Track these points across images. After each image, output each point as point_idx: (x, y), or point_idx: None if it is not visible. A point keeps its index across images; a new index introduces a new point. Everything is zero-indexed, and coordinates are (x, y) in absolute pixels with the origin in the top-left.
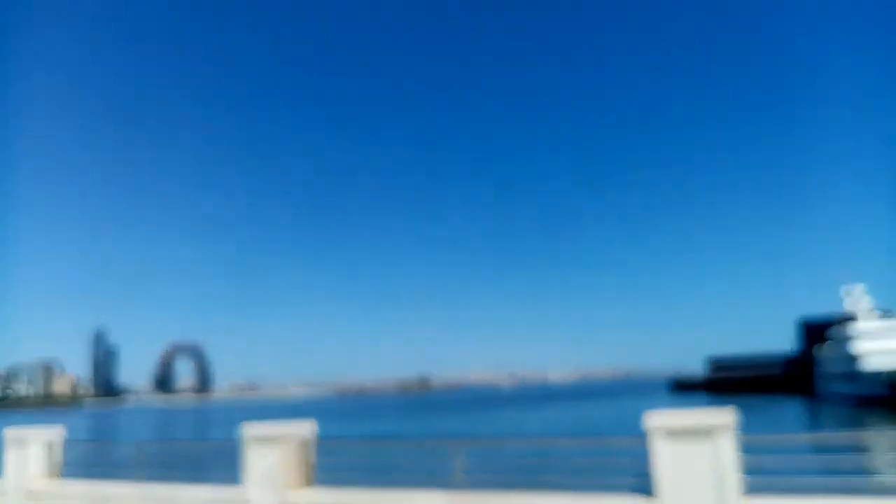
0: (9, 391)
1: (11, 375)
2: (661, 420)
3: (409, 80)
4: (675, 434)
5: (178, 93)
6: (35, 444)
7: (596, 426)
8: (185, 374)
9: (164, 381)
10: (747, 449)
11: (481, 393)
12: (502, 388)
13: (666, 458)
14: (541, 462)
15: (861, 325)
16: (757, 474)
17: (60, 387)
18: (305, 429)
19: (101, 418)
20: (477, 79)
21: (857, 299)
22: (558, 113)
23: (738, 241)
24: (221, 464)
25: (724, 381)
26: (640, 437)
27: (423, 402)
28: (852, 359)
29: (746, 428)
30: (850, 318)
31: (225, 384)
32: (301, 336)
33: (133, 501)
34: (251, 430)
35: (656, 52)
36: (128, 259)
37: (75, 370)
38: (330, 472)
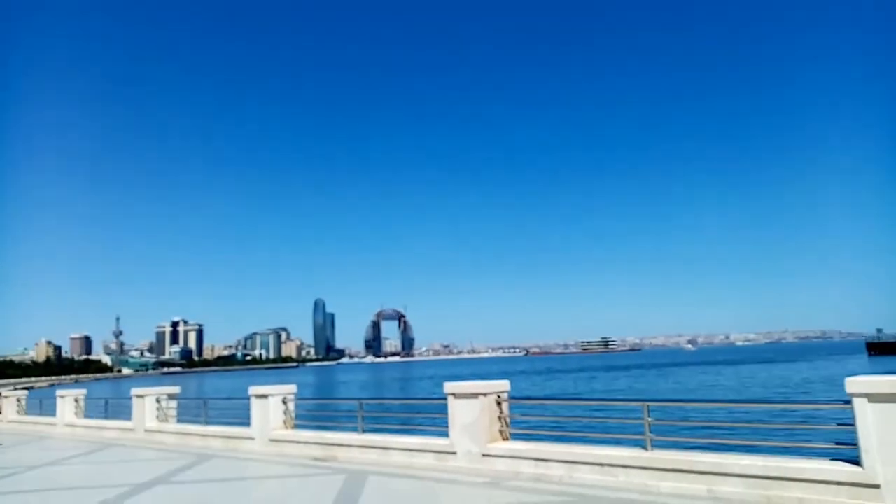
0: (249, 354)
1: (250, 342)
2: (866, 384)
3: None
4: (885, 399)
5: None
6: (274, 399)
7: (787, 389)
8: (391, 337)
9: (373, 344)
10: None
11: (662, 354)
12: (683, 349)
13: (873, 425)
14: (730, 423)
15: None
16: None
17: (288, 350)
18: (501, 387)
19: (322, 375)
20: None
21: None
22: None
23: None
24: (427, 417)
25: None
26: (839, 401)
27: (604, 362)
28: None
29: None
30: None
31: (425, 346)
32: (492, 303)
33: (354, 448)
34: (454, 388)
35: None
36: (341, 238)
37: (300, 336)
38: (523, 427)
